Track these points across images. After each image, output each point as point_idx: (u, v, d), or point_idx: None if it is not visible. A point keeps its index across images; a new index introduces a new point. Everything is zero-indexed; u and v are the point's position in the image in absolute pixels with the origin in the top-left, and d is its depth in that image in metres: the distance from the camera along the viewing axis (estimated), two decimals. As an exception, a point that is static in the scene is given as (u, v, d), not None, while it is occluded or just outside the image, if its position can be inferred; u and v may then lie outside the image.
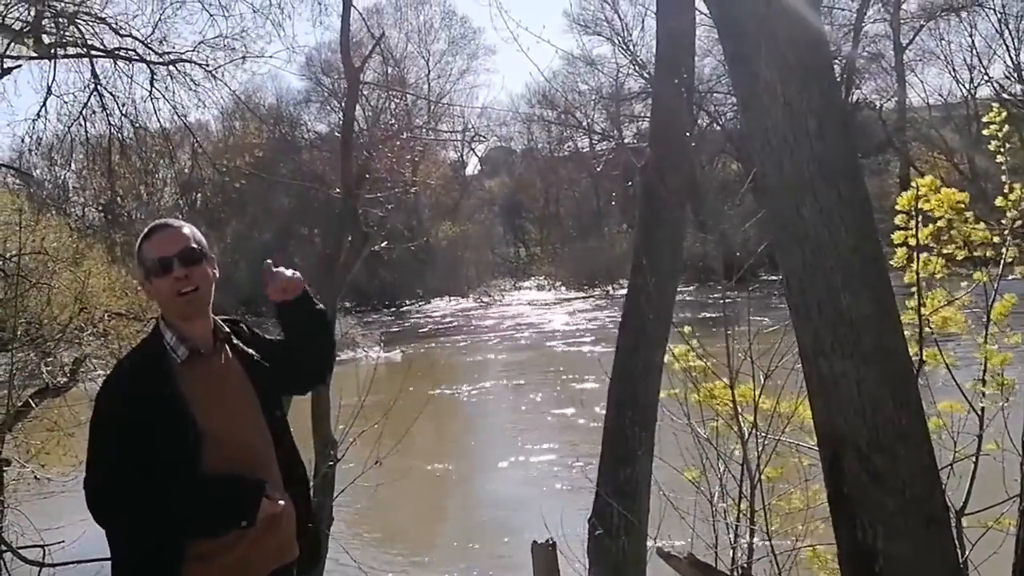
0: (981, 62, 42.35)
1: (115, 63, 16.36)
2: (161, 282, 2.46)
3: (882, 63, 43.71)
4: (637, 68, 47.00)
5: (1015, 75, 40.85)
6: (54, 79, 16.46)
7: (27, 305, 9.97)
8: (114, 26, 15.94)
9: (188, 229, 2.53)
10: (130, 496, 2.37)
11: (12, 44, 15.06)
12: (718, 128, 46.41)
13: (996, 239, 3.85)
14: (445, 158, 51.13)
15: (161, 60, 16.36)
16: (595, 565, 5.37)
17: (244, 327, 2.69)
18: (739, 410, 4.37)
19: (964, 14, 41.23)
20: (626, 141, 45.92)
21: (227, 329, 2.58)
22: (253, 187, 35.89)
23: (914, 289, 3.80)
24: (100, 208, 37.61)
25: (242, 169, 20.92)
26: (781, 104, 2.69)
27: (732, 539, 4.34)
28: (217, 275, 2.56)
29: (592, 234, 48.45)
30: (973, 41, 42.05)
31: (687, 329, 4.84)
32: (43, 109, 16.42)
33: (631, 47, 47.85)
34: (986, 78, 42.09)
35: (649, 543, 5.29)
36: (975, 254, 3.85)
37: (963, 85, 42.99)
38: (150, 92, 16.49)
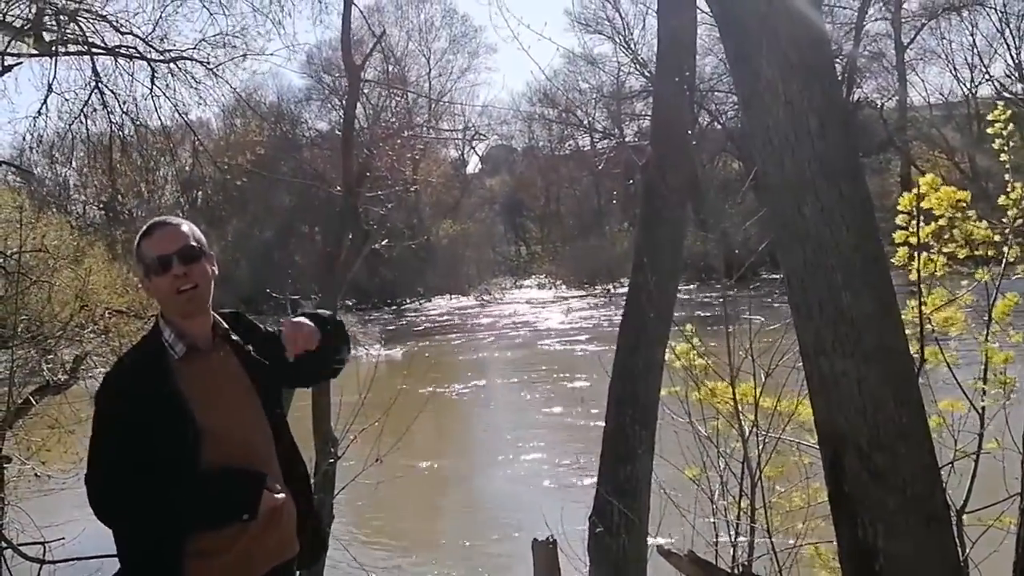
0: (982, 61, 42.42)
1: (116, 61, 16.34)
2: (160, 280, 2.46)
3: (883, 62, 43.73)
4: (638, 67, 47.07)
5: (1016, 74, 40.86)
6: (55, 76, 16.44)
7: (28, 302, 9.99)
8: (115, 24, 15.92)
9: (187, 227, 2.53)
10: (131, 494, 2.38)
11: (13, 41, 15.04)
12: (719, 127, 46.39)
13: (997, 238, 3.85)
14: (446, 156, 51.20)
15: (162, 58, 16.33)
16: (595, 563, 5.38)
17: (245, 320, 2.67)
18: (740, 408, 4.38)
19: (965, 13, 41.24)
20: (627, 140, 45.89)
21: (226, 326, 2.57)
22: (254, 185, 35.93)
23: (915, 288, 3.80)
24: (101, 206, 37.59)
25: (243, 167, 20.90)
26: (783, 103, 2.69)
27: (733, 537, 4.35)
28: (216, 272, 2.56)
29: (593, 233, 48.43)
30: (974, 40, 42.13)
31: (689, 328, 4.85)
32: (44, 107, 16.39)
33: (632, 46, 47.92)
34: (987, 77, 42.18)
35: (650, 541, 5.29)
36: (976, 253, 3.85)
37: (964, 84, 43.08)
38: (151, 90, 16.46)
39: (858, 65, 42.97)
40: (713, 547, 4.44)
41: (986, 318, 3.78)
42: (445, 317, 38.10)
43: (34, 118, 16.40)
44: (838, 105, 2.94)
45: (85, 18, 15.64)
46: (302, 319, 2.58)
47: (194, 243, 2.49)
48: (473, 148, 55.94)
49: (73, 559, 6.53)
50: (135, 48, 16.19)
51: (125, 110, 16.75)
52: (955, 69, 43.82)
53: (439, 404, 17.53)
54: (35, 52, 15.59)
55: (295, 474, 2.64)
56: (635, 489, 5.40)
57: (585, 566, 5.43)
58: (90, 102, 16.48)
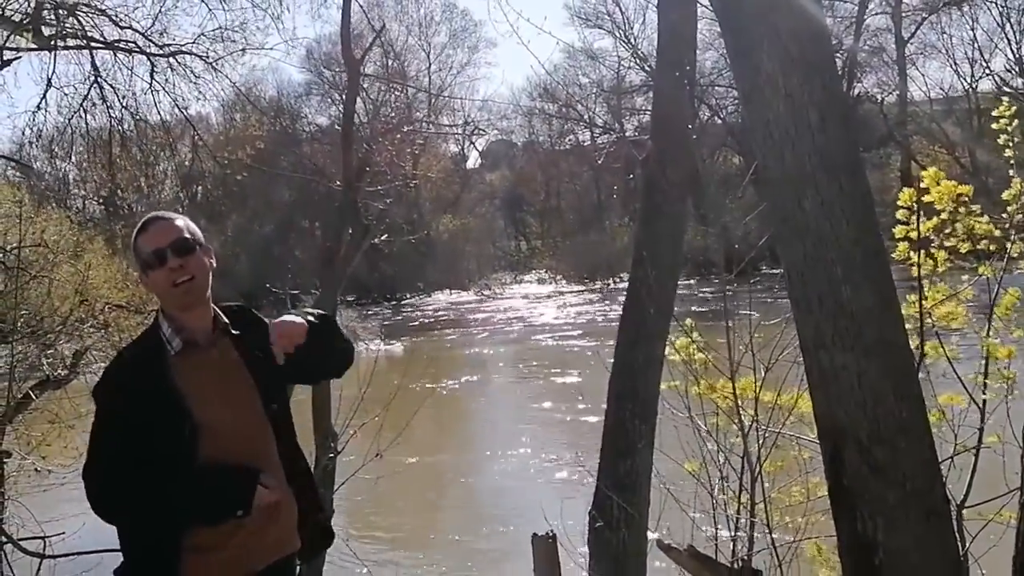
0: (982, 56, 42.41)
1: (115, 55, 16.32)
2: (157, 274, 2.46)
3: (884, 56, 43.69)
4: (638, 61, 47.05)
5: (1016, 68, 40.79)
6: (54, 71, 16.42)
7: (27, 297, 10.00)
8: (114, 18, 15.91)
9: (181, 220, 2.53)
10: (129, 490, 2.38)
11: (12, 35, 15.02)
12: (719, 121, 46.32)
13: (997, 233, 3.85)
14: (446, 151, 51.24)
15: (161, 52, 16.32)
16: (595, 557, 5.38)
17: (249, 314, 2.65)
18: (740, 403, 4.37)
19: (965, 7, 41.18)
20: (627, 134, 45.93)
21: (226, 319, 2.56)
22: (254, 180, 35.88)
23: (916, 283, 3.79)
24: (100, 200, 37.57)
25: (243, 162, 20.85)
26: (783, 97, 2.69)
27: (732, 531, 4.35)
28: (214, 264, 2.55)
29: (593, 227, 48.42)
30: (975, 35, 42.10)
31: (688, 322, 4.85)
32: (43, 101, 16.35)
33: (632, 40, 47.92)
34: (987, 72, 42.12)
35: (649, 535, 5.30)
36: (979, 247, 3.84)
37: (964, 79, 43.01)
38: (150, 84, 16.46)
39: (858, 59, 42.97)
40: (713, 541, 4.44)
41: (988, 312, 3.77)
42: (445, 312, 38.10)
43: (33, 112, 16.38)
44: (838, 99, 2.93)
45: (84, 12, 15.63)
46: (287, 316, 2.56)
47: (188, 235, 2.48)
48: (473, 143, 56.07)
49: (73, 554, 6.53)
50: (134, 42, 16.19)
51: (124, 105, 16.75)
52: (955, 64, 43.90)
53: (439, 399, 17.54)
54: (34, 46, 15.57)
55: (296, 469, 2.63)
56: (635, 484, 5.40)
57: (585, 560, 5.44)
58: (89, 97, 16.48)
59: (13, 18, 14.81)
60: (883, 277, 2.74)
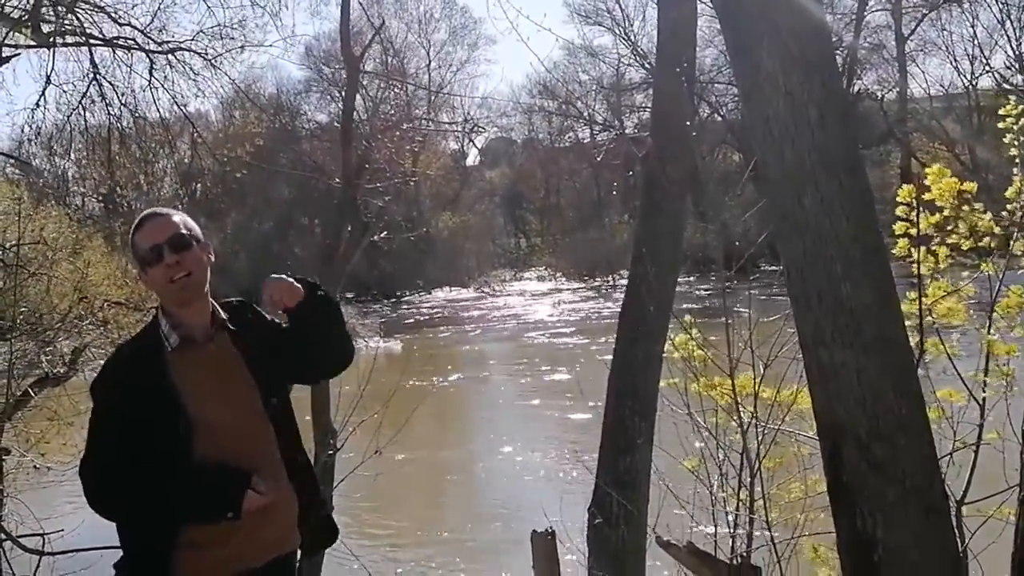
0: (983, 52, 42.30)
1: (114, 52, 16.28)
2: (154, 270, 2.45)
3: (883, 53, 43.67)
4: (638, 58, 47.03)
5: (1016, 65, 40.75)
6: (53, 68, 16.43)
7: (27, 294, 9.99)
8: (113, 15, 15.87)
9: (178, 216, 2.52)
10: (126, 486, 2.38)
11: (11, 32, 14.98)
12: (719, 119, 46.31)
13: (998, 230, 3.84)
14: (445, 148, 51.19)
15: (160, 49, 16.28)
16: (595, 554, 5.39)
17: (251, 310, 2.64)
18: (739, 400, 4.37)
19: (966, 4, 41.10)
20: (627, 131, 45.89)
21: (224, 315, 2.55)
22: (253, 177, 35.83)
23: (915, 280, 3.79)
24: (100, 198, 37.53)
25: (242, 159, 20.83)
26: (783, 94, 2.69)
27: (731, 528, 4.35)
28: (212, 259, 2.54)
29: (593, 225, 48.40)
30: (975, 31, 41.97)
31: (688, 319, 4.84)
32: (42, 98, 16.31)
33: (632, 37, 47.86)
34: (987, 69, 42.07)
35: (649, 532, 5.30)
36: (980, 244, 3.83)
37: (964, 76, 42.95)
38: (149, 81, 16.41)
39: (858, 56, 42.93)
40: (712, 538, 4.44)
41: (988, 310, 3.76)
42: (444, 310, 38.10)
43: (32, 110, 16.33)
44: (838, 96, 2.93)
45: (83, 9, 15.60)
46: (281, 276, 2.57)
47: (185, 231, 2.48)
48: (472, 140, 56.02)
49: (72, 551, 6.52)
50: (133, 39, 16.14)
51: (123, 102, 16.69)
52: (955, 60, 43.86)
53: (438, 396, 17.55)
54: (33, 43, 15.54)
55: (297, 465, 2.61)
56: (634, 480, 5.41)
57: (584, 557, 5.44)
58: (88, 94, 16.43)
59: (12, 15, 14.78)
60: (883, 274, 2.74)
